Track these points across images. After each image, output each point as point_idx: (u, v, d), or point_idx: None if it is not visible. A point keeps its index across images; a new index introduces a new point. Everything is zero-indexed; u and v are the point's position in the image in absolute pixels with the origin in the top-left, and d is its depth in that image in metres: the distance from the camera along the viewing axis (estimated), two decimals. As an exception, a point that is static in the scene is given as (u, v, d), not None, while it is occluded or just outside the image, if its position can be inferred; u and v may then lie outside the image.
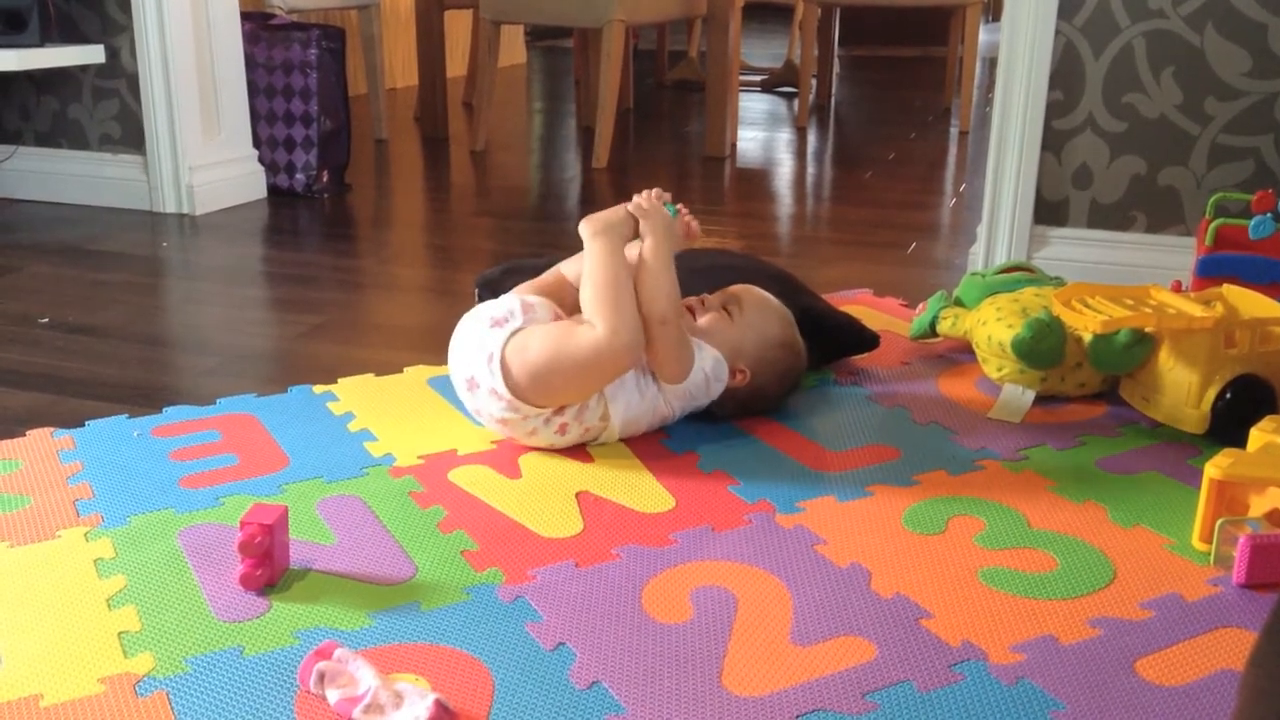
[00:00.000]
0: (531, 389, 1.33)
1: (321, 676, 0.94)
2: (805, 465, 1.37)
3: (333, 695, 0.93)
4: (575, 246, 1.45)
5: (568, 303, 1.43)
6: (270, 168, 2.85)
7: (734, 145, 3.63)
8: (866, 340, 1.69)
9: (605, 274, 1.36)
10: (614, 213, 1.41)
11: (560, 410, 1.36)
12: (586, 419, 1.38)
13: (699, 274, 1.62)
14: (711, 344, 1.44)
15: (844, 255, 2.38)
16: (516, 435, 1.38)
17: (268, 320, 1.98)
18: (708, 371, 1.42)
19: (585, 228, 1.40)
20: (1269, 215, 1.72)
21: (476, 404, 1.38)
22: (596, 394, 1.37)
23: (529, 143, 3.88)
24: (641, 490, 1.30)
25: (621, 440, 1.42)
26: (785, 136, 3.95)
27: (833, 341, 1.67)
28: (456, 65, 4.91)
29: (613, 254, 1.37)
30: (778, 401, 1.52)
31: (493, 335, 1.36)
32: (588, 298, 1.36)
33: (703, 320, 1.46)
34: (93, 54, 2.58)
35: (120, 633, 1.02)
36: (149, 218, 2.63)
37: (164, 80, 2.58)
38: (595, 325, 1.33)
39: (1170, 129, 2.01)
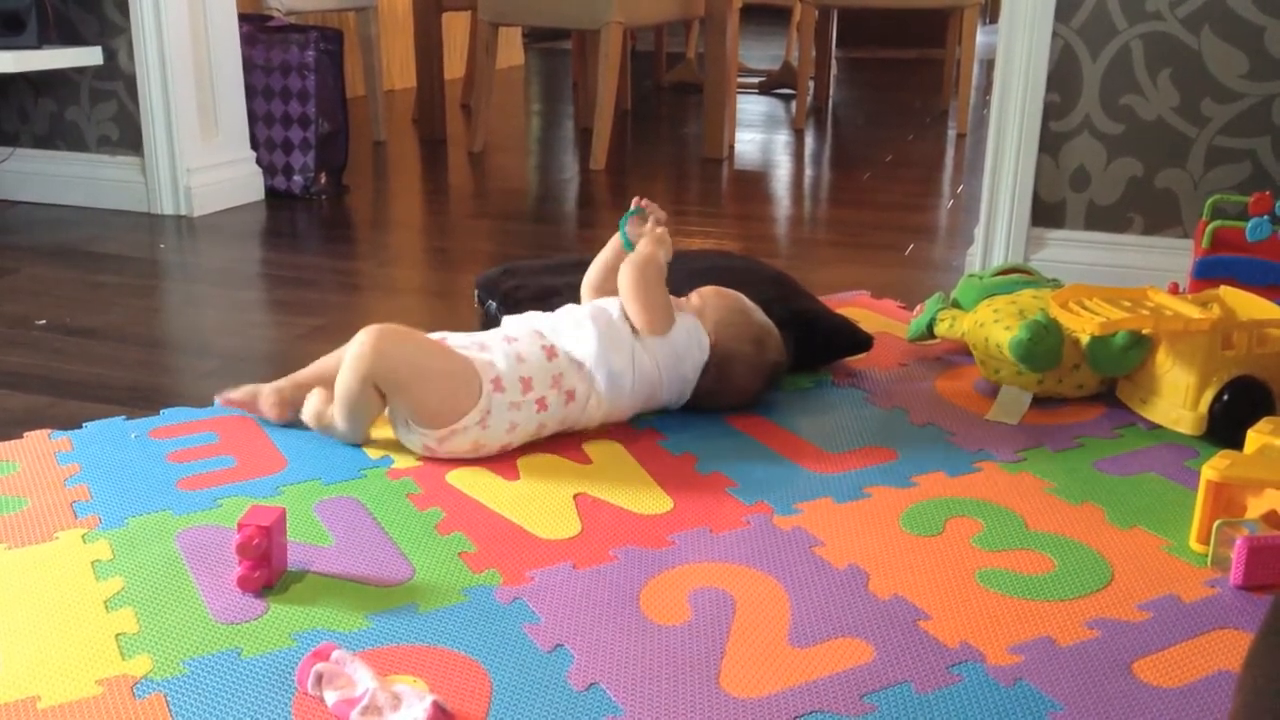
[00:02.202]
0: (426, 417, 1.33)
1: (319, 678, 0.94)
2: (803, 467, 1.37)
3: (330, 697, 0.93)
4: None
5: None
6: (268, 170, 2.85)
7: (732, 147, 3.63)
8: (861, 342, 1.69)
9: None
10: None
11: (527, 387, 1.36)
12: (565, 383, 1.38)
13: (698, 275, 1.62)
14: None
15: (842, 257, 2.38)
16: (494, 443, 1.36)
17: (266, 322, 1.98)
18: (688, 327, 1.46)
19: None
20: (1266, 217, 1.72)
21: (450, 449, 1.36)
22: (565, 355, 1.39)
23: (527, 144, 3.89)
24: (639, 492, 1.30)
25: (619, 442, 1.42)
26: (783, 138, 3.95)
27: (827, 344, 1.67)
28: (454, 67, 4.91)
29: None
30: (758, 375, 1.51)
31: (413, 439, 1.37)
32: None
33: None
34: (90, 56, 2.58)
35: (118, 634, 1.02)
36: (147, 219, 2.63)
37: (161, 82, 2.58)
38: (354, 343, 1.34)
39: (1167, 131, 2.01)
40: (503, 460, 1.37)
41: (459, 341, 1.40)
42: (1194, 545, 1.19)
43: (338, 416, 1.38)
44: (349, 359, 1.34)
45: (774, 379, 1.54)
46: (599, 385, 1.40)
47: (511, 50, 5.88)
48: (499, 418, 1.35)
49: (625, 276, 1.46)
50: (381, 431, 1.44)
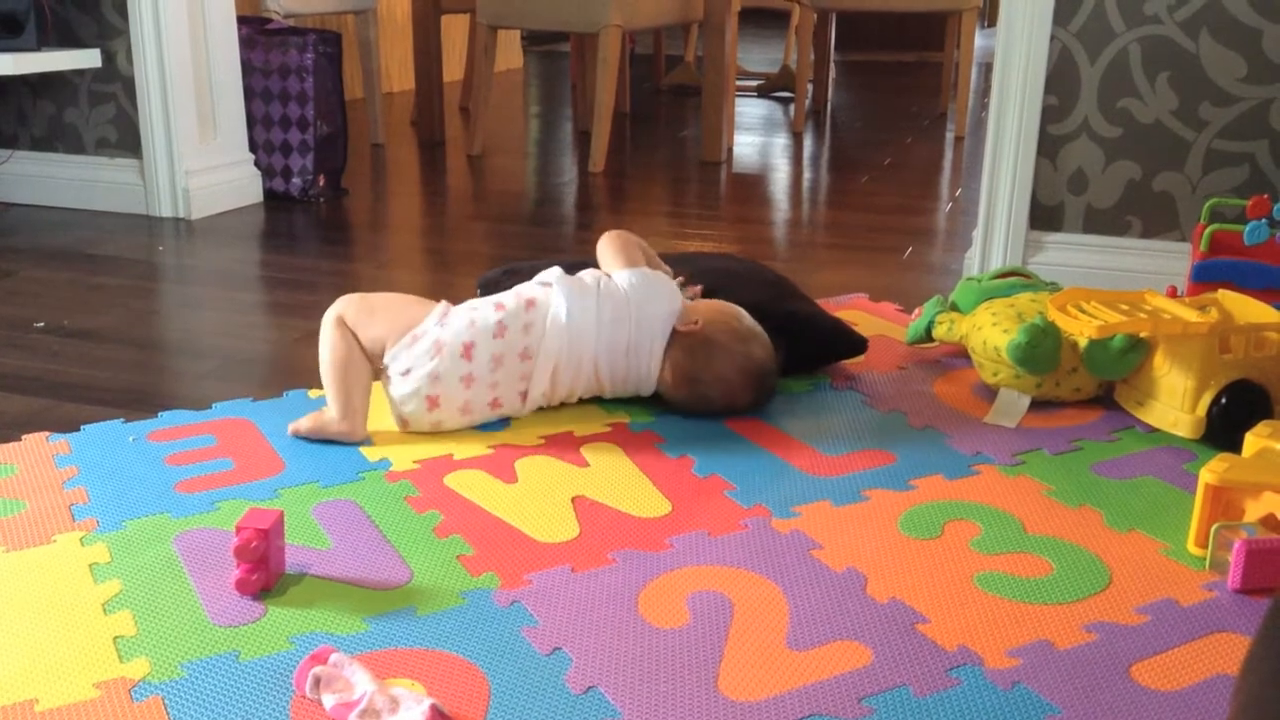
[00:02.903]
0: (389, 329, 1.44)
1: (317, 681, 0.94)
2: (801, 470, 1.37)
3: (328, 700, 0.93)
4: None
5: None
6: (266, 172, 2.85)
7: (730, 150, 3.63)
8: (855, 344, 1.69)
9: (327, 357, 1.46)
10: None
11: (498, 309, 1.45)
12: (525, 294, 1.48)
13: (701, 276, 1.63)
14: None
15: (840, 260, 2.38)
16: (456, 340, 1.43)
17: (264, 324, 1.98)
18: (663, 277, 1.55)
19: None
20: (1264, 221, 1.72)
21: (448, 413, 1.43)
22: (531, 282, 1.50)
23: (526, 147, 3.89)
24: (637, 495, 1.30)
25: (617, 445, 1.42)
26: (782, 141, 3.95)
27: (823, 346, 1.67)
28: (453, 70, 4.91)
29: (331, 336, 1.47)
30: (740, 368, 1.50)
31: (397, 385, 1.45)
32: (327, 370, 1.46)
33: None
34: (89, 58, 2.58)
35: (116, 637, 1.02)
36: (145, 222, 2.63)
37: (160, 84, 2.58)
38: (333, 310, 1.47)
39: (1165, 134, 2.01)
40: (501, 463, 1.37)
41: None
42: (1192, 548, 1.19)
43: (328, 390, 1.43)
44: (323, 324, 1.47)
45: (760, 381, 1.52)
46: (556, 298, 1.47)
47: (510, 53, 5.88)
48: (458, 317, 1.46)
49: (604, 237, 1.60)
50: (379, 426, 1.44)
